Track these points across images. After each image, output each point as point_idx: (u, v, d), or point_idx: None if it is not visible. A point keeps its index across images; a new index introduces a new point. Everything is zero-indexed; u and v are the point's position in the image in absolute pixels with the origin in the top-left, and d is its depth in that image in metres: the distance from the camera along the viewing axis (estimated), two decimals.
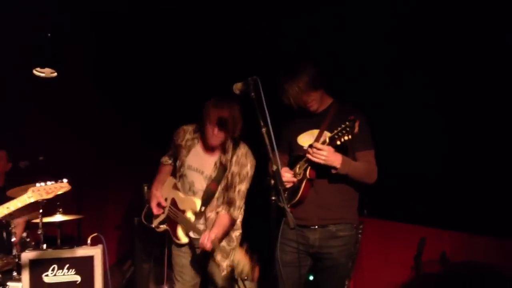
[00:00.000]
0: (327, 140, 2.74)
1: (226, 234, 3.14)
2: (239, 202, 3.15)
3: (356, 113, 2.93)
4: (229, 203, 3.15)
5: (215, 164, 3.17)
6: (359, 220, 3.39)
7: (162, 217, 3.33)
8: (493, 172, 3.32)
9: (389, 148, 3.12)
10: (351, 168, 2.82)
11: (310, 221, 2.91)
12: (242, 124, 3.05)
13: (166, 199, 3.32)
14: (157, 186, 3.37)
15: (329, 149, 2.74)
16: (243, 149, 3.17)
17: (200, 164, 3.19)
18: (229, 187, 3.15)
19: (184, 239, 3.20)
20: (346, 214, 2.95)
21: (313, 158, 2.76)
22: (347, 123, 2.65)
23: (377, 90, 3.97)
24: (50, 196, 2.94)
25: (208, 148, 3.19)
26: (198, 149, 3.23)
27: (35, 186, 2.89)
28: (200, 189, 3.18)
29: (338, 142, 2.70)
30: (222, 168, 3.14)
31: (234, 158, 3.14)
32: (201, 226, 3.16)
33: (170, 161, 3.42)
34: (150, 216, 3.39)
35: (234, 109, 3.03)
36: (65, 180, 2.99)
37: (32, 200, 2.88)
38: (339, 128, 2.68)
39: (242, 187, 3.15)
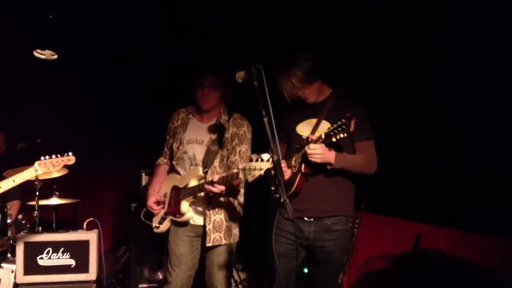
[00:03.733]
0: (323, 136, 2.72)
1: (229, 189, 3.07)
2: (242, 165, 3.11)
3: (356, 102, 2.93)
4: (231, 167, 3.15)
5: (213, 129, 3.20)
6: (356, 214, 3.39)
7: (161, 213, 3.30)
8: (492, 170, 3.31)
9: (387, 142, 3.11)
10: (347, 162, 2.81)
11: (305, 213, 2.89)
12: (234, 89, 3.14)
13: (165, 194, 3.31)
14: (154, 187, 3.36)
15: (322, 147, 2.73)
16: (237, 113, 3.28)
17: (199, 134, 3.23)
18: (229, 152, 3.17)
19: (189, 213, 3.18)
20: (342, 207, 2.94)
21: (309, 158, 2.76)
22: (343, 120, 2.62)
23: (376, 83, 3.95)
24: (57, 169, 2.92)
25: (204, 118, 3.25)
26: (194, 122, 3.29)
27: (35, 164, 2.86)
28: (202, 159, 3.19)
29: (334, 140, 2.68)
30: (222, 129, 3.18)
31: (231, 120, 3.22)
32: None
33: (165, 160, 3.42)
34: (150, 215, 3.38)
35: (220, 70, 3.13)
36: (70, 153, 2.96)
37: (39, 172, 2.85)
38: (335, 125, 2.66)
39: (242, 147, 3.19)
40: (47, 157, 2.88)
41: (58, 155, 2.93)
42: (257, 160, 2.60)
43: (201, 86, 3.14)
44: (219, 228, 3.16)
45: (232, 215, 3.22)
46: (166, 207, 3.28)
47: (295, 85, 2.82)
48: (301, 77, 2.80)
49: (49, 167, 2.87)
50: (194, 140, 3.23)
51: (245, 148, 3.19)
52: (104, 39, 4.82)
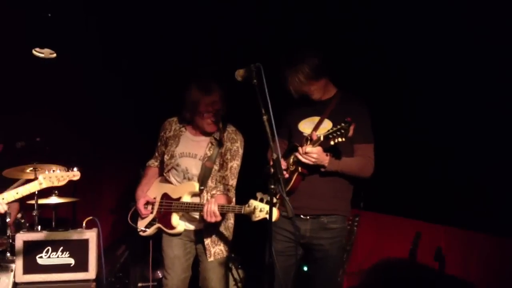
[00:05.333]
0: (321, 139, 2.73)
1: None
2: (232, 181, 3.15)
3: (359, 103, 2.95)
4: (222, 183, 3.14)
5: (208, 144, 3.16)
6: (355, 213, 3.40)
7: (149, 218, 3.28)
8: (492, 169, 3.31)
9: (387, 140, 3.11)
10: (340, 166, 2.85)
11: (301, 211, 2.90)
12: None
13: (155, 198, 3.28)
14: (142, 188, 3.35)
15: (319, 150, 2.75)
16: (232, 127, 3.22)
17: (192, 148, 3.19)
18: (221, 166, 3.14)
19: (180, 227, 3.17)
20: (338, 206, 2.95)
21: (303, 160, 2.78)
22: (343, 124, 2.64)
23: (379, 83, 3.95)
24: (61, 183, 2.92)
25: (198, 132, 3.20)
26: (187, 135, 3.24)
27: (34, 165, 2.85)
28: (195, 173, 3.16)
29: (332, 143, 2.70)
30: (217, 145, 3.14)
31: (225, 134, 3.17)
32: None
33: (156, 163, 3.41)
34: (136, 217, 3.36)
35: (220, 88, 3.06)
36: (75, 169, 2.97)
37: (43, 186, 2.86)
38: (334, 129, 2.67)
39: (234, 163, 3.15)
40: (52, 170, 2.89)
41: (64, 170, 2.93)
42: (261, 200, 2.63)
43: (208, 113, 3.05)
44: (218, 242, 3.16)
45: (228, 225, 3.22)
46: (155, 212, 3.25)
47: (302, 80, 2.84)
48: (308, 73, 2.83)
49: (53, 181, 2.88)
50: (187, 154, 3.19)
51: (236, 164, 3.16)
52: (104, 37, 4.81)
